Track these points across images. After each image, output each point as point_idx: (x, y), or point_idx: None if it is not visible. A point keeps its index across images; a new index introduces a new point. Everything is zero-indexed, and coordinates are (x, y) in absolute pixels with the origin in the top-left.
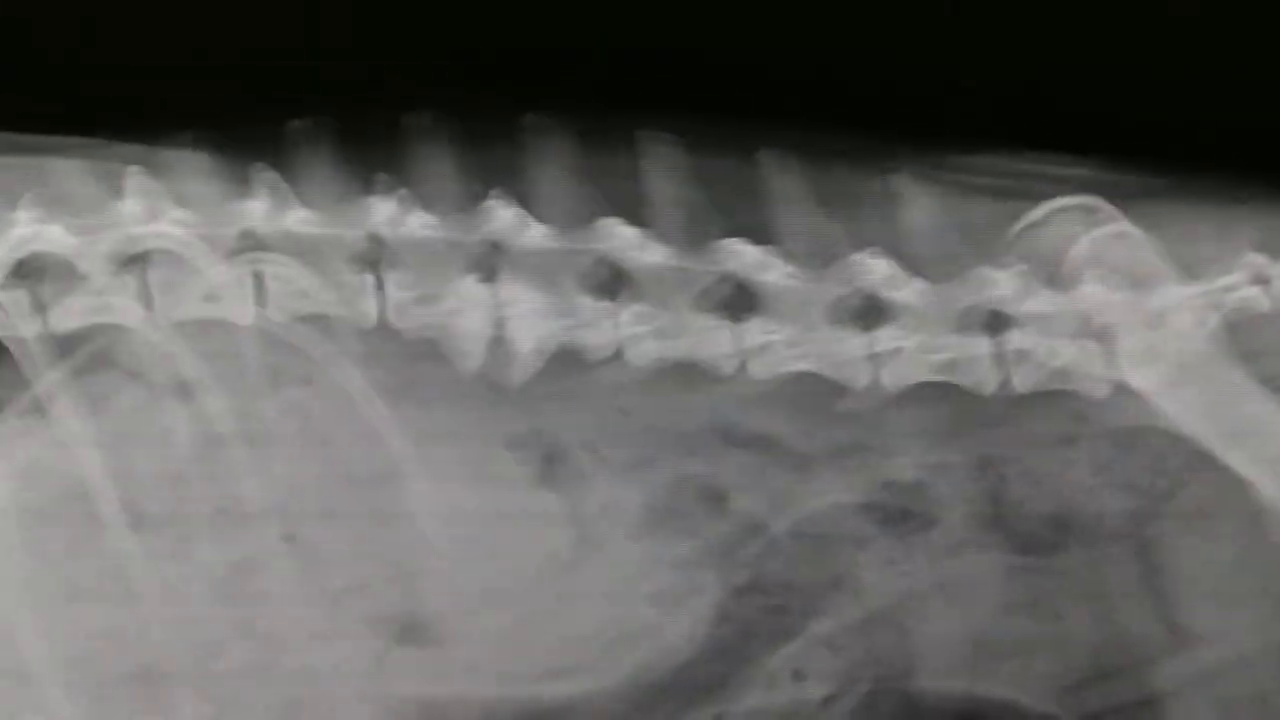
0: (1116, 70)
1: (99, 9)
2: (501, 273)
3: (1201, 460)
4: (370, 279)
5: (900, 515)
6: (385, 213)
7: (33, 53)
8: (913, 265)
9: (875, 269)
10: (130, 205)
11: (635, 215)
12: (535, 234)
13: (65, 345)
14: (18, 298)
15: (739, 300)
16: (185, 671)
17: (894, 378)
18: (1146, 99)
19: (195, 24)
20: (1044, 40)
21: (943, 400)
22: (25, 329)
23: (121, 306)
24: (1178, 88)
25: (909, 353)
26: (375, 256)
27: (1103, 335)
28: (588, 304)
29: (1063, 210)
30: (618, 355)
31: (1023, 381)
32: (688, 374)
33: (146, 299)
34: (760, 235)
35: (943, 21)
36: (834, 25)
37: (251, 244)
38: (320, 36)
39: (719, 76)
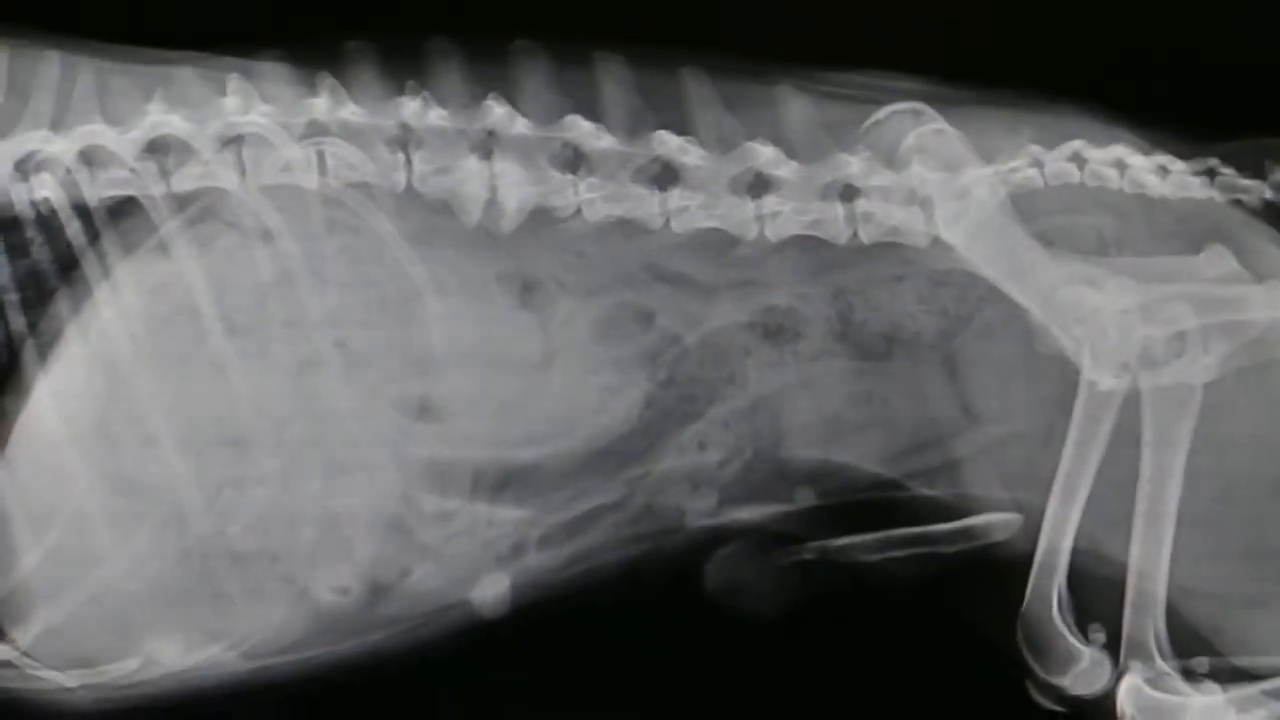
0: (939, 7)
1: None
2: (495, 153)
3: (993, 293)
4: (401, 156)
5: (777, 330)
6: (412, 109)
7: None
8: (790, 150)
9: (763, 153)
10: (230, 101)
11: (593, 113)
12: (520, 126)
13: (182, 202)
14: (149, 167)
15: (665, 176)
16: (263, 437)
17: (775, 232)
18: (965, 34)
19: None
20: None
21: (809, 249)
22: (154, 190)
23: (223, 175)
24: (987, 26)
25: (786, 215)
26: (404, 140)
27: (925, 203)
28: (556, 176)
29: (898, 113)
30: (577, 214)
31: (867, 236)
32: (627, 229)
33: (241, 169)
34: (681, 129)
35: None
36: None
37: (316, 130)
38: None
39: (659, 17)
